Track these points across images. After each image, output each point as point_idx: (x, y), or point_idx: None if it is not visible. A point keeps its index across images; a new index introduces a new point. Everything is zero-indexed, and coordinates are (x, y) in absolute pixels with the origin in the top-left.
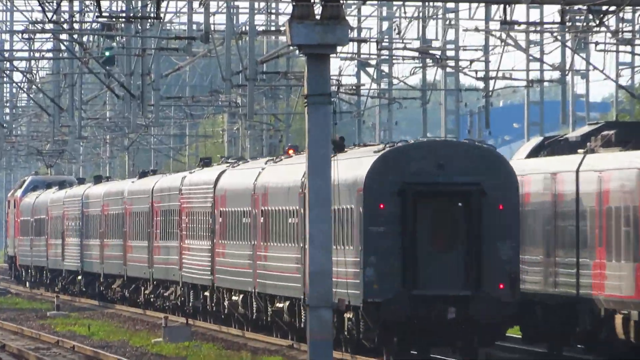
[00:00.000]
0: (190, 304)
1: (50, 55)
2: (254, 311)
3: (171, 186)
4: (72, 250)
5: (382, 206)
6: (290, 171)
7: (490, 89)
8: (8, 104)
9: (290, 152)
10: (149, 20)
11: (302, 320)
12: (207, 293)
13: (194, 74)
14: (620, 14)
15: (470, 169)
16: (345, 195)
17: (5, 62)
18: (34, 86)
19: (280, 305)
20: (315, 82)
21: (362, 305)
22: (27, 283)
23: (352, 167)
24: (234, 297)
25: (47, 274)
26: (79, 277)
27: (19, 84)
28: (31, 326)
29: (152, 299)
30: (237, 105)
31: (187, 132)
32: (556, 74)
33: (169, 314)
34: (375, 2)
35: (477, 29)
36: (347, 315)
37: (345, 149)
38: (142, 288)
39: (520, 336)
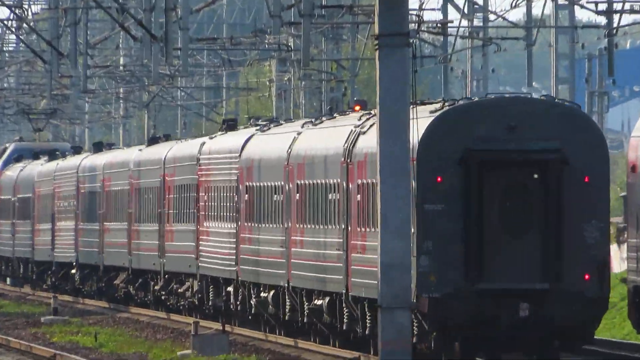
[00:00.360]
0: (210, 303)
1: None
2: (287, 310)
3: (187, 155)
4: (64, 237)
5: (439, 179)
6: (332, 136)
7: (615, 25)
8: None
9: (357, 108)
10: None
11: (345, 320)
12: (230, 288)
13: (233, 9)
14: None
15: (548, 133)
16: None
17: None
18: (25, 25)
19: (319, 302)
20: (389, 18)
21: (415, 302)
22: (8, 279)
23: None
24: (263, 294)
25: (33, 268)
26: (73, 271)
27: (6, 23)
28: (20, 336)
29: (163, 297)
30: (289, 49)
31: (224, 84)
32: None
33: (186, 315)
34: None
35: None
36: None
37: None
38: (152, 283)
39: None
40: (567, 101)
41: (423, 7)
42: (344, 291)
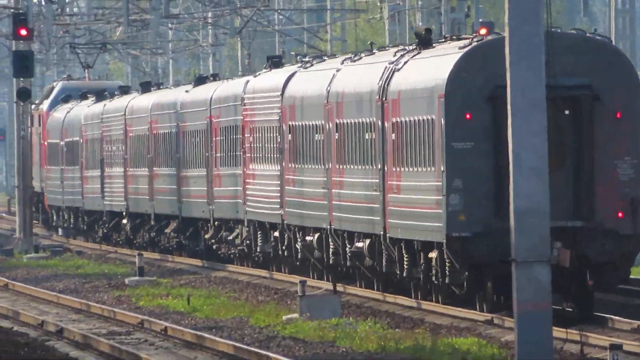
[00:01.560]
0: (258, 250)
1: None
2: (330, 254)
3: (232, 95)
4: (114, 184)
5: (468, 116)
6: (368, 73)
7: None
8: None
9: (482, 32)
10: None
11: (384, 263)
12: (276, 233)
13: None
14: None
15: (579, 68)
16: (424, 103)
17: None
18: None
19: (360, 244)
20: None
21: (445, 242)
22: (60, 230)
23: (432, 67)
24: (308, 237)
25: (84, 218)
26: (125, 221)
27: None
28: (102, 300)
29: (214, 246)
30: None
31: (329, 5)
32: None
33: (237, 264)
34: None
35: None
36: (432, 254)
37: (434, 44)
38: (202, 232)
39: None
40: (598, 35)
41: None
42: (382, 233)
